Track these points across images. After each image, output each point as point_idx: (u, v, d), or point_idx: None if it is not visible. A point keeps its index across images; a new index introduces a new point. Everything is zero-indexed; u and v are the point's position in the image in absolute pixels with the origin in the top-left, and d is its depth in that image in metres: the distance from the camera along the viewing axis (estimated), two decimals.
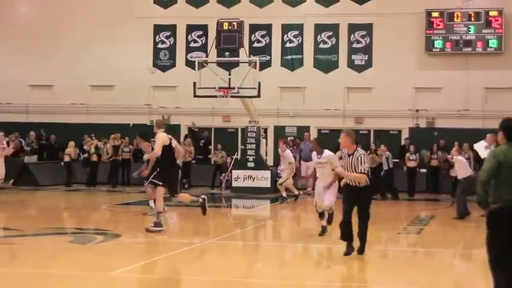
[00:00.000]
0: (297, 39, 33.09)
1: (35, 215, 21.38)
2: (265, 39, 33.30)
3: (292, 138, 30.76)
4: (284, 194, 24.38)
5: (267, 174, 27.25)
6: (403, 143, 30.32)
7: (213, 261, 13.34)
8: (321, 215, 15.61)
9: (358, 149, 12.92)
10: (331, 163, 15.11)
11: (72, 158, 30.06)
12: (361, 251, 12.92)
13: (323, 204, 15.33)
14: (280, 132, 32.11)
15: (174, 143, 16.61)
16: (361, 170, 12.72)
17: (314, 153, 15.71)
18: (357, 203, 12.84)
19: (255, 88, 27.44)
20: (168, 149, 15.95)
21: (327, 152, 15.45)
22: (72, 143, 30.27)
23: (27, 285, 10.91)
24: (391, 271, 12.31)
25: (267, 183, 26.50)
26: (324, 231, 15.52)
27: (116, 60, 33.14)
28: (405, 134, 31.37)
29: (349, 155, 12.87)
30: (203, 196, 16.65)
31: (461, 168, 20.26)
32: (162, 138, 15.92)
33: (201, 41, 33.61)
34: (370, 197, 13.27)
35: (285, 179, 24.52)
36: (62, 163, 30.07)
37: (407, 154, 28.67)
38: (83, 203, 25.07)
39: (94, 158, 30.06)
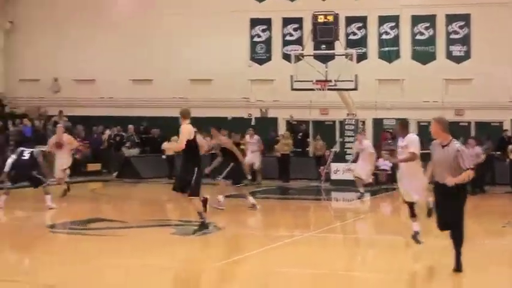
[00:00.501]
0: (393, 31, 32.80)
1: (138, 207, 21.88)
2: (361, 31, 33.13)
3: (391, 130, 30.54)
4: (363, 185, 24.11)
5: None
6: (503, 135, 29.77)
7: (313, 254, 13.38)
8: (412, 213, 13.73)
9: (454, 140, 11.28)
10: (408, 146, 13.44)
11: (175, 151, 30.57)
12: (456, 267, 11.11)
13: (409, 195, 13.75)
14: (378, 124, 31.94)
15: (198, 137, 15.67)
16: (465, 166, 10.93)
17: (400, 138, 13.94)
18: (448, 204, 11.04)
19: (352, 81, 27.38)
20: (191, 143, 14.91)
21: (410, 136, 13.73)
22: (175, 138, 30.74)
23: (130, 276, 11.18)
24: (493, 267, 12.11)
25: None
26: (416, 238, 13.57)
27: (214, 54, 33.51)
28: (507, 126, 30.76)
29: (442, 146, 11.19)
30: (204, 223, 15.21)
31: None
32: (187, 130, 14.87)
33: (297, 34, 33.67)
34: (464, 198, 11.15)
35: (370, 173, 24.37)
36: (164, 156, 30.58)
37: (510, 146, 28.06)
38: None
39: None
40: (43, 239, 15.33)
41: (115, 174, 30.63)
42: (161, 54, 34.22)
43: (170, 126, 31.59)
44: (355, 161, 24.74)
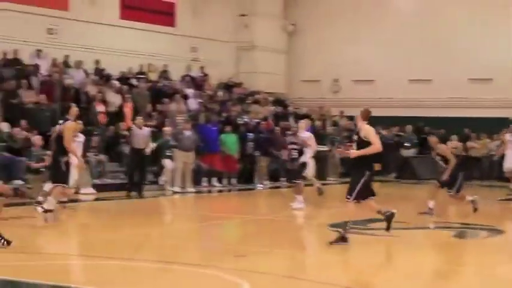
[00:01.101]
0: None
1: (417, 208, 21.66)
2: None
3: None
4: None
5: None
6: None
7: None
8: None
9: None
10: None
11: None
12: None
13: None
14: None
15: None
16: None
17: None
18: None
19: None
20: (366, 145, 13.75)
21: None
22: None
23: (396, 277, 11.24)
24: None
25: None
26: None
27: (494, 51, 32.72)
28: None
29: None
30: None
31: None
32: (372, 129, 13.93)
33: None
34: None
35: None
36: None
37: None
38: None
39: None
40: (323, 237, 15.81)
41: (393, 174, 30.77)
42: (440, 53, 33.87)
43: (448, 127, 31.40)
44: None
